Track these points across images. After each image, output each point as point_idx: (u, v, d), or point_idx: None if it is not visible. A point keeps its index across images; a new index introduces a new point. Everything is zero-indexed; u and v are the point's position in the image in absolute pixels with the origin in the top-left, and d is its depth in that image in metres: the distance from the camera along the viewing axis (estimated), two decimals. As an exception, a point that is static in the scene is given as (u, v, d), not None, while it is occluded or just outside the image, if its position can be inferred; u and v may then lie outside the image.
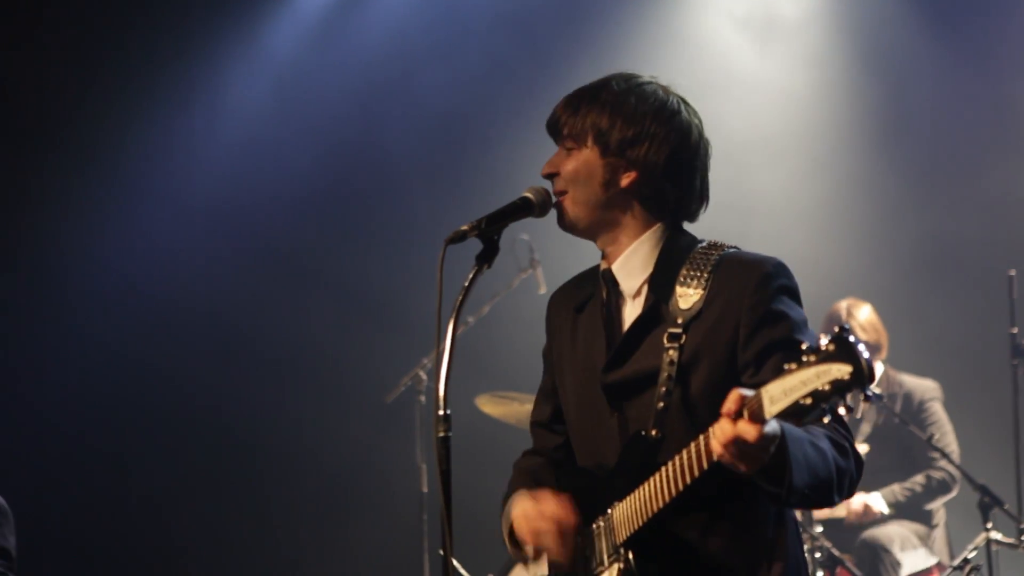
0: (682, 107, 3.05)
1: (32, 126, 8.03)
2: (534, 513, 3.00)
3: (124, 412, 8.14)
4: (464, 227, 2.94)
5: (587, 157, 3.02)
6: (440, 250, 2.90)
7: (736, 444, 2.51)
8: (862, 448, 6.95)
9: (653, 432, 2.88)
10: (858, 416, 7.33)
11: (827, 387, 2.28)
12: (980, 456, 7.32)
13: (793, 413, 2.35)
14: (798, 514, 6.37)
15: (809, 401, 2.31)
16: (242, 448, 8.43)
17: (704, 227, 3.12)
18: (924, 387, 7.28)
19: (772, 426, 2.51)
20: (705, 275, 2.92)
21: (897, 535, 7.01)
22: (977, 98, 8.43)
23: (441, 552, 2.79)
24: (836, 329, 2.31)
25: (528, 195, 3.04)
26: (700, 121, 3.08)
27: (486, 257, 2.96)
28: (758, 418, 2.44)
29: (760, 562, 2.83)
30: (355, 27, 8.70)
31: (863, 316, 7.35)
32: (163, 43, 8.24)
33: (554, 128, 3.09)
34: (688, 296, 2.92)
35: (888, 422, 7.13)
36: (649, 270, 3.01)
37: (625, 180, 3.01)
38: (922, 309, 8.30)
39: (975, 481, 6.45)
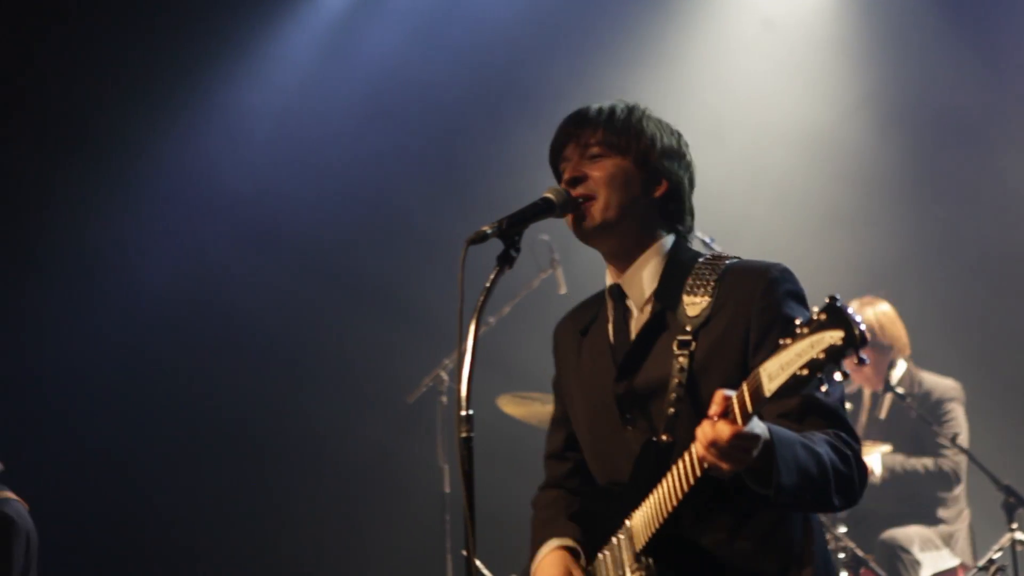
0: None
1: (56, 131, 8.08)
2: None
3: (143, 414, 8.16)
4: (485, 228, 2.94)
5: (621, 164, 3.05)
6: (461, 251, 2.90)
7: (715, 445, 2.54)
8: (884, 447, 6.92)
9: (664, 437, 2.89)
10: (881, 416, 7.30)
11: (822, 355, 2.31)
12: (1005, 457, 7.27)
13: (792, 386, 2.38)
14: (822, 516, 6.34)
15: (806, 372, 2.34)
16: (264, 450, 8.46)
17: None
18: (944, 386, 7.23)
19: (755, 426, 2.55)
20: (711, 284, 2.96)
21: (917, 536, 6.97)
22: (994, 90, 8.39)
23: (464, 552, 2.78)
24: (827, 299, 2.33)
25: (549, 195, 3.04)
26: None
27: (507, 258, 2.96)
28: (758, 398, 2.46)
29: (789, 566, 2.82)
30: (369, 29, 8.75)
31: (875, 314, 7.30)
32: (184, 46, 8.27)
33: (582, 135, 3.09)
34: (695, 304, 2.95)
35: (903, 418, 7.10)
36: (656, 281, 3.05)
37: (659, 191, 3.09)
38: (948, 306, 8.26)
39: (1000, 482, 6.42)
